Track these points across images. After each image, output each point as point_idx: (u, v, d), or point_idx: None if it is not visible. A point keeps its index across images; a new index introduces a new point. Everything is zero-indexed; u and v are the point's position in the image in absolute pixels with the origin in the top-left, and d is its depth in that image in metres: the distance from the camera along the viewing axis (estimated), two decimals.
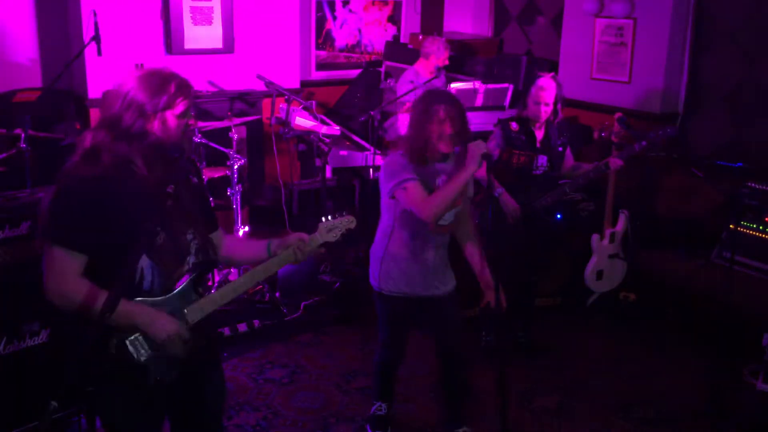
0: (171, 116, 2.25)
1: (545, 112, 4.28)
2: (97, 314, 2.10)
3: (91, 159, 2.21)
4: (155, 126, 2.24)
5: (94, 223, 2.17)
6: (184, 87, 2.28)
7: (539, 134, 4.38)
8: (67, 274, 2.19)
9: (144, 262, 2.25)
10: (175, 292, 2.33)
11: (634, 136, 4.55)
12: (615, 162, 4.39)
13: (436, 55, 6.14)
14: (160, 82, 2.24)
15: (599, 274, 5.03)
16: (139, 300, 2.26)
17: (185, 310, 2.35)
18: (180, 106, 2.27)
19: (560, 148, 4.45)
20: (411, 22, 8.01)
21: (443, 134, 3.10)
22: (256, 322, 4.77)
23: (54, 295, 2.21)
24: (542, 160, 4.39)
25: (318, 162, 5.50)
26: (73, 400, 3.29)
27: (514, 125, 4.36)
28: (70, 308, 2.21)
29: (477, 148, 3.05)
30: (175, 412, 2.56)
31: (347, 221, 2.53)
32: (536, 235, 4.45)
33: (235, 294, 2.48)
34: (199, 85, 6.26)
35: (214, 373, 2.59)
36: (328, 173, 5.81)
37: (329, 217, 2.50)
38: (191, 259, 2.39)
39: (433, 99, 3.18)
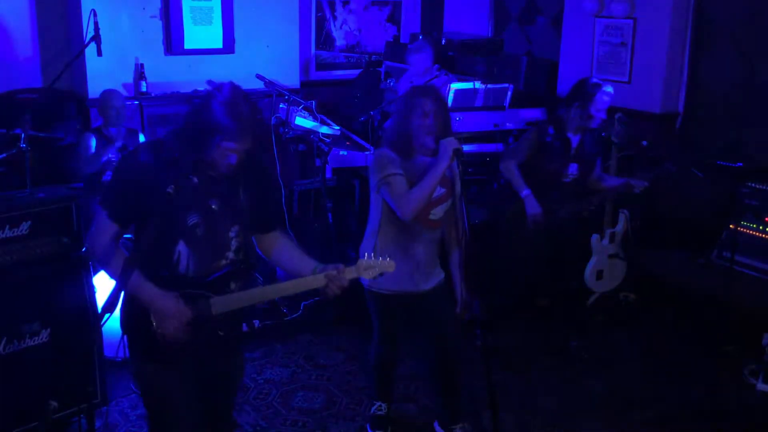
0: (219, 151, 2.35)
1: (600, 119, 4.21)
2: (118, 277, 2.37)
3: (152, 149, 2.43)
4: (208, 154, 2.36)
5: (133, 201, 2.38)
6: (235, 132, 2.36)
7: (575, 141, 4.31)
8: (102, 234, 2.44)
9: (182, 247, 2.42)
10: (207, 280, 2.47)
11: (634, 136, 4.54)
12: (641, 184, 4.33)
13: (415, 61, 6.08)
14: (232, 118, 2.35)
15: (599, 274, 5.03)
16: (173, 278, 2.43)
17: (211, 300, 2.45)
18: (230, 145, 2.36)
19: (593, 158, 4.39)
20: (411, 22, 8.00)
21: (426, 129, 3.14)
22: (256, 322, 4.77)
23: (88, 248, 2.65)
24: (573, 168, 4.33)
25: (318, 162, 5.49)
26: (73, 400, 3.29)
27: (551, 129, 4.27)
28: (98, 265, 2.63)
29: (449, 144, 3.09)
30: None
31: (387, 264, 2.60)
32: (565, 243, 4.42)
33: (261, 299, 2.60)
34: (199, 85, 6.26)
35: (231, 363, 2.73)
36: (328, 173, 5.80)
37: (372, 256, 2.59)
38: (230, 255, 2.52)
39: (417, 94, 3.24)
